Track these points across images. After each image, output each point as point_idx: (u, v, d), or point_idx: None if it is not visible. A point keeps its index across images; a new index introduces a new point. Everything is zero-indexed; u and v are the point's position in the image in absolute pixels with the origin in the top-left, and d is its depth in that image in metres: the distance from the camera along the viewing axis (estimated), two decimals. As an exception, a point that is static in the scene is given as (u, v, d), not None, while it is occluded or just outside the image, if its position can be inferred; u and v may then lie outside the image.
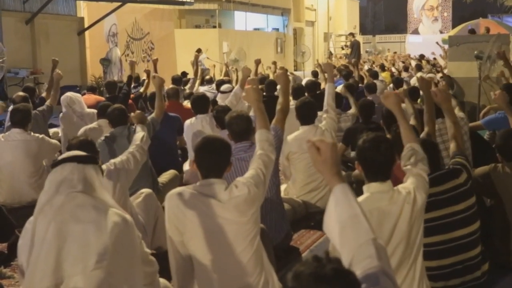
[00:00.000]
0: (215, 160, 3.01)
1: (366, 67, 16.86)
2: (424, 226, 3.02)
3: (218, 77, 12.71)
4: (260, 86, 6.34)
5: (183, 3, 18.15)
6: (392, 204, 2.86)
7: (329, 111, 5.46)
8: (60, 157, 2.68)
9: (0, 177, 5.43)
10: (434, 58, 19.45)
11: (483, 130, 6.08)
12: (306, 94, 7.51)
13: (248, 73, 7.33)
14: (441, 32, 32.50)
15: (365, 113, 6.13)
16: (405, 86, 9.40)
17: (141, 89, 9.13)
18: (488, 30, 15.21)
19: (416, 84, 7.62)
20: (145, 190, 4.28)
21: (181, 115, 6.49)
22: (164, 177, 5.57)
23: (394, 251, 2.85)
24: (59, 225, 2.48)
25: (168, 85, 8.35)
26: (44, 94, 7.53)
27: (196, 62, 10.43)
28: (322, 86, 8.69)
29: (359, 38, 28.93)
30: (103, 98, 8.55)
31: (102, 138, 5.05)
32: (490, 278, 3.66)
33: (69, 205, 2.51)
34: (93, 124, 6.15)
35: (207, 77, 11.66)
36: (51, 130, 7.71)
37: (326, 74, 7.15)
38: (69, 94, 7.35)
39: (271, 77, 10.89)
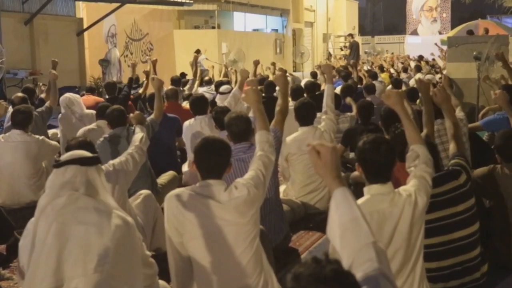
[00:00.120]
0: (215, 161, 3.01)
1: (365, 67, 16.87)
2: (424, 227, 3.02)
3: (217, 78, 12.70)
4: (259, 87, 6.34)
5: (182, 4, 18.15)
6: (392, 207, 2.86)
7: (328, 112, 5.45)
8: (63, 158, 2.66)
9: (-1, 177, 5.44)
10: (433, 59, 19.47)
11: (482, 131, 6.08)
12: (305, 95, 7.51)
13: (246, 75, 7.33)
14: (440, 33, 32.54)
15: (364, 114, 6.12)
16: (404, 87, 9.41)
17: (140, 90, 9.13)
18: (487, 31, 15.21)
19: (415, 85, 7.62)
20: (144, 191, 4.27)
21: (180, 116, 6.49)
22: (163, 178, 5.57)
23: (394, 254, 2.84)
24: (61, 227, 2.47)
25: (167, 86, 8.35)
26: (43, 95, 7.53)
27: (195, 63, 10.43)
28: (322, 87, 8.69)
29: (358, 39, 28.94)
30: (102, 99, 8.55)
31: (101, 139, 5.05)
32: (489, 279, 3.66)
33: (71, 207, 2.50)
34: (92, 125, 6.15)
35: (206, 78, 11.66)
36: (50, 131, 7.70)
37: (325, 75, 7.16)
38: (68, 95, 7.34)
39: (270, 78, 10.90)
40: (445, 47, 14.24)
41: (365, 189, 2.94)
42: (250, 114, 4.48)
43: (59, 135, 7.38)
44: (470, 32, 14.24)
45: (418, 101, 7.90)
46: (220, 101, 7.60)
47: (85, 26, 15.75)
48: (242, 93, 5.60)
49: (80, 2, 15.90)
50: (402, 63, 19.57)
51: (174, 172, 5.84)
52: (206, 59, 16.00)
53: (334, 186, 2.04)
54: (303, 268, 1.47)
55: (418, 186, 2.95)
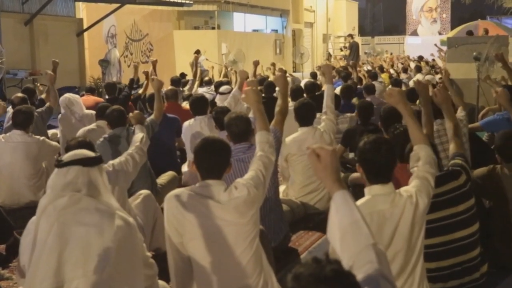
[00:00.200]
0: (215, 161, 3.00)
1: (365, 68, 16.87)
2: (424, 228, 3.01)
3: (217, 78, 12.71)
4: (259, 87, 6.34)
5: (182, 5, 18.16)
6: (393, 208, 2.85)
7: (328, 113, 5.45)
8: (65, 158, 2.65)
9: (-1, 177, 5.44)
10: (433, 60, 19.48)
11: (481, 131, 6.08)
12: (304, 95, 7.51)
13: (244, 76, 7.33)
14: (440, 33, 32.58)
15: (364, 114, 6.10)
16: (403, 88, 9.41)
17: (140, 91, 9.13)
18: (486, 31, 15.21)
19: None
20: (144, 191, 4.27)
21: (180, 116, 6.49)
22: (162, 179, 5.57)
23: (395, 255, 2.84)
24: (62, 227, 2.47)
25: (167, 86, 8.35)
26: (43, 96, 7.53)
27: (195, 64, 10.44)
28: (323, 88, 8.69)
29: (358, 39, 28.95)
30: (102, 99, 8.55)
31: (101, 139, 5.05)
32: (489, 279, 3.66)
33: (73, 208, 2.50)
34: (92, 125, 6.14)
35: (206, 78, 11.67)
36: (50, 131, 7.70)
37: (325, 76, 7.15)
38: (67, 95, 7.34)
39: (271, 78, 10.90)
40: (445, 48, 14.26)
41: (366, 190, 2.94)
42: (250, 115, 4.48)
43: (58, 135, 7.38)
44: (470, 33, 14.26)
45: (417, 101, 7.90)
46: (220, 101, 7.60)
47: (85, 26, 15.76)
48: (242, 93, 5.60)
49: (80, 3, 15.91)
50: (402, 63, 19.58)
51: (174, 172, 5.83)
52: (206, 59, 16.01)
53: (334, 189, 2.04)
54: (304, 268, 1.47)
55: (420, 187, 2.94)
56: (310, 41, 29.56)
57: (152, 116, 5.39)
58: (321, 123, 5.43)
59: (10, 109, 7.04)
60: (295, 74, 17.32)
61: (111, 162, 3.86)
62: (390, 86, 10.25)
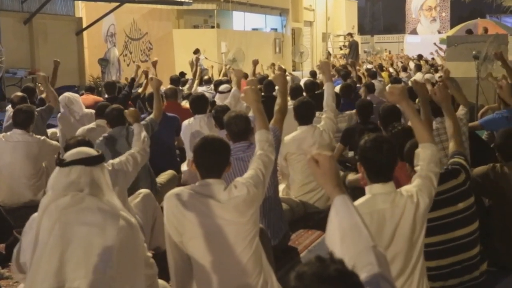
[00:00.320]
0: (215, 160, 3.00)
1: (365, 66, 16.87)
2: (425, 227, 3.01)
3: (216, 77, 12.70)
4: (258, 86, 6.33)
5: (181, 3, 18.15)
6: (393, 207, 2.85)
7: (327, 111, 5.44)
8: (68, 157, 2.63)
9: (-1, 177, 5.43)
10: (433, 58, 19.47)
11: (481, 130, 6.08)
12: (304, 94, 7.51)
13: (240, 75, 7.32)
14: (439, 32, 32.56)
15: (363, 113, 6.10)
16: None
17: (139, 90, 9.12)
18: (486, 30, 15.21)
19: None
20: (143, 191, 4.27)
21: (179, 115, 6.48)
22: (162, 178, 5.56)
23: (395, 255, 2.83)
24: (64, 227, 2.46)
25: (166, 86, 8.34)
26: (44, 95, 7.52)
27: (196, 64, 10.43)
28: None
29: (358, 38, 28.92)
30: (101, 98, 8.54)
31: (101, 138, 5.04)
32: (489, 278, 3.66)
33: (75, 207, 2.48)
34: (91, 125, 6.14)
35: (206, 77, 11.67)
36: (50, 131, 7.69)
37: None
38: (67, 94, 7.34)
39: (271, 77, 10.89)
40: (444, 46, 14.24)
41: (367, 189, 2.93)
42: (250, 114, 4.47)
43: (58, 135, 7.37)
44: (469, 31, 14.25)
45: (417, 101, 7.90)
46: (219, 100, 7.60)
47: (84, 25, 15.75)
48: (240, 92, 5.59)
49: (79, 2, 15.91)
50: (402, 62, 19.58)
51: (173, 171, 5.83)
52: (206, 58, 16.01)
53: (335, 194, 2.06)
54: (307, 267, 1.46)
55: (421, 186, 2.93)
56: (309, 40, 29.53)
57: (151, 115, 5.38)
58: (321, 121, 5.43)
59: (9, 108, 7.04)
60: (295, 73, 17.30)
61: (111, 161, 3.85)
62: (389, 85, 10.25)
